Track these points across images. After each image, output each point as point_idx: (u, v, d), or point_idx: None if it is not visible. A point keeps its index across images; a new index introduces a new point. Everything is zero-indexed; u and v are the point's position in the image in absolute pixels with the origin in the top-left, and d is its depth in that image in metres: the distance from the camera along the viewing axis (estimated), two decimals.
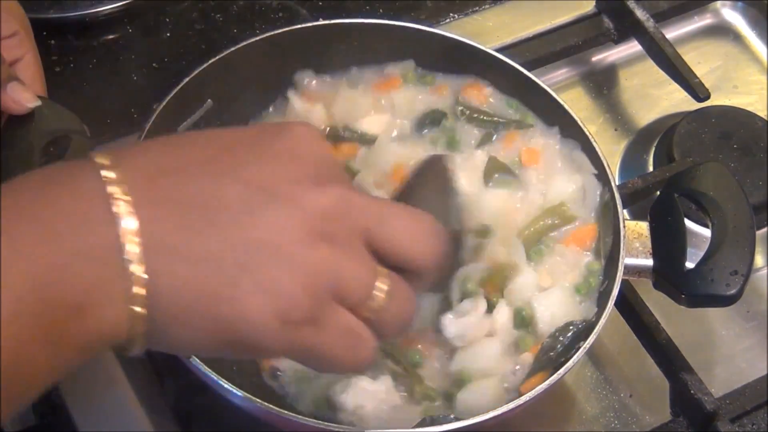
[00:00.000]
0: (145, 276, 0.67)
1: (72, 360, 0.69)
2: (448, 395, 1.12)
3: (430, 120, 1.30)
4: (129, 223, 0.66)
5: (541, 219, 1.24)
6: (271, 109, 1.30)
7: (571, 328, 1.16)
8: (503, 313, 1.16)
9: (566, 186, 1.26)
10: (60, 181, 0.68)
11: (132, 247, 0.66)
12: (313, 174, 0.74)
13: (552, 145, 1.30)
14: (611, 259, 1.20)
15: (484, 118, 1.31)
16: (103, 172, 0.67)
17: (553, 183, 1.27)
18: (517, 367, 1.14)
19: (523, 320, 1.16)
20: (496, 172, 1.26)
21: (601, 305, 1.13)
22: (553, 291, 1.19)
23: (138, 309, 0.67)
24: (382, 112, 1.31)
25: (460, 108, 1.31)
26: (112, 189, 0.66)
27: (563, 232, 1.24)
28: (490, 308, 1.15)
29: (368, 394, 1.09)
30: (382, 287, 0.75)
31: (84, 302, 0.66)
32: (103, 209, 0.66)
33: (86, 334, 0.67)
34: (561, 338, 1.15)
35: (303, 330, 0.72)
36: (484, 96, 1.34)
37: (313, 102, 1.30)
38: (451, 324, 1.13)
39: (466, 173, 1.25)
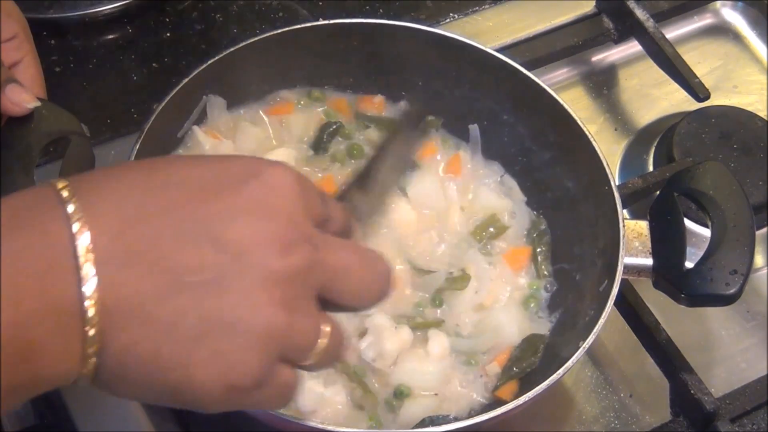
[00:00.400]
0: (99, 337, 0.66)
1: (11, 403, 0.68)
2: (391, 406, 1.15)
3: (328, 134, 1.32)
4: (90, 283, 0.65)
5: (480, 229, 1.28)
6: (180, 150, 1.28)
7: (536, 340, 1.20)
8: (440, 342, 1.18)
9: (495, 199, 1.30)
10: (25, 224, 0.66)
11: (90, 310, 0.66)
12: (282, 232, 0.72)
13: (477, 162, 1.33)
14: (559, 274, 1.25)
15: (387, 126, 1.33)
16: (73, 223, 0.66)
17: (480, 193, 1.30)
18: (469, 391, 1.17)
19: (467, 351, 1.19)
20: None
21: (601, 305, 1.13)
22: (508, 305, 1.22)
23: (89, 368, 0.68)
24: (284, 143, 1.32)
25: (361, 120, 1.34)
26: (79, 243, 0.66)
27: (500, 251, 1.27)
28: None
29: (324, 400, 1.12)
30: (323, 335, 0.76)
31: (38, 358, 0.66)
32: (67, 266, 0.65)
33: (35, 384, 0.68)
34: (527, 349, 1.19)
35: (246, 394, 0.72)
36: (377, 105, 1.36)
37: (221, 138, 1.30)
38: (368, 349, 1.16)
39: None
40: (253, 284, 0.70)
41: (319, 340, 0.75)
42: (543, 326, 1.23)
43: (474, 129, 1.34)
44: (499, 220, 1.29)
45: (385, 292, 0.81)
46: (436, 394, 1.16)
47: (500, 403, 1.10)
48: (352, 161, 1.31)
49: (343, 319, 1.13)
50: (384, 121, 1.35)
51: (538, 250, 1.28)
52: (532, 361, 1.18)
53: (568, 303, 1.24)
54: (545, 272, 1.27)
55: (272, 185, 0.73)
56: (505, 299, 1.23)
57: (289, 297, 0.71)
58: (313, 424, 1.03)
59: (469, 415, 1.12)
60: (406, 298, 1.22)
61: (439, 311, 1.22)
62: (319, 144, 1.32)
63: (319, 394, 1.11)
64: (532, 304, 1.24)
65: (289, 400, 0.77)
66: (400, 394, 1.15)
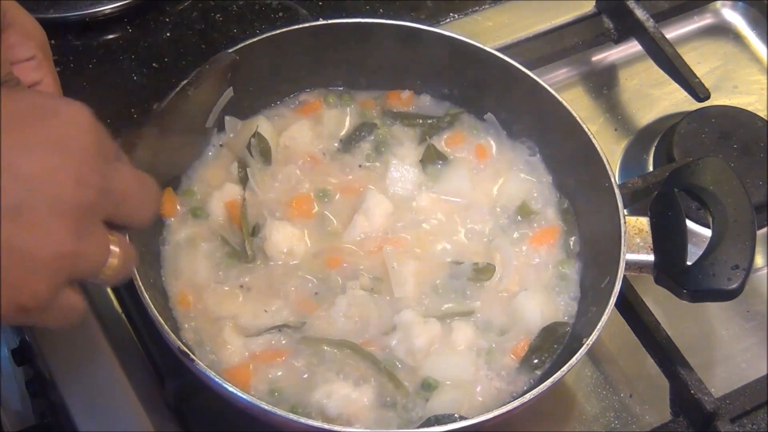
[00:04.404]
0: None
1: None
2: (420, 399, 1.15)
3: (361, 133, 1.33)
4: None
5: (510, 220, 1.29)
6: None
7: (558, 328, 1.19)
8: (465, 333, 1.19)
9: (524, 185, 1.31)
10: None
11: None
12: (76, 166, 0.80)
13: (503, 144, 1.34)
14: (582, 255, 1.25)
15: (413, 121, 1.35)
16: None
17: (510, 181, 1.31)
18: (494, 380, 1.17)
19: (493, 339, 1.19)
20: (433, 158, 1.32)
21: (603, 302, 1.13)
22: (533, 290, 1.22)
23: None
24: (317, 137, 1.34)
25: (388, 117, 1.35)
26: None
27: (528, 234, 1.27)
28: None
29: (351, 401, 1.11)
30: (113, 256, 0.86)
31: None
32: None
33: None
34: (548, 339, 1.18)
35: (33, 314, 0.81)
36: (405, 100, 1.37)
37: None
38: (398, 345, 1.17)
39: (407, 169, 1.30)
40: (47, 214, 0.78)
41: (109, 260, 0.86)
42: (568, 311, 1.22)
43: (490, 117, 1.35)
44: (528, 207, 1.29)
45: (155, 212, 0.94)
46: (462, 385, 1.16)
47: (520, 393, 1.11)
48: (379, 156, 1.32)
49: (373, 317, 1.17)
50: (412, 116, 1.36)
51: (566, 228, 1.28)
52: (552, 350, 1.18)
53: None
54: (574, 250, 1.26)
55: (69, 122, 0.82)
56: (530, 284, 1.24)
57: (80, 226, 0.80)
58: (313, 423, 1.03)
59: (496, 405, 1.11)
60: (435, 290, 1.23)
61: (466, 301, 1.22)
62: (351, 141, 1.33)
63: (345, 396, 1.11)
64: (560, 287, 1.24)
65: (76, 321, 0.86)
66: (428, 387, 1.15)
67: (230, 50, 1.25)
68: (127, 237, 1.06)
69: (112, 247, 0.86)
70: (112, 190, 0.84)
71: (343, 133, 1.34)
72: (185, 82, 1.19)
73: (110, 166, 0.85)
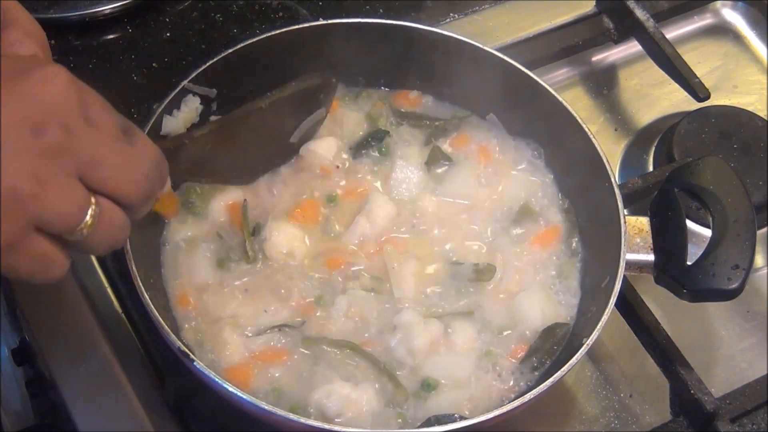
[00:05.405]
0: None
1: None
2: (419, 399, 1.15)
3: (372, 139, 1.33)
4: None
5: (513, 221, 1.29)
6: None
7: (558, 329, 1.19)
8: (465, 333, 1.19)
9: (526, 186, 1.31)
10: None
11: None
12: (37, 116, 0.83)
13: (506, 144, 1.34)
14: (583, 255, 1.25)
15: (420, 122, 1.35)
16: None
17: (511, 183, 1.31)
18: (494, 381, 1.17)
19: (493, 340, 1.20)
20: (438, 159, 1.32)
21: (604, 302, 1.13)
22: (534, 290, 1.22)
23: None
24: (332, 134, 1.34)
25: (396, 117, 1.35)
26: None
27: (529, 235, 1.28)
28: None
29: (350, 401, 1.11)
30: (90, 215, 0.86)
31: None
32: None
33: None
34: (549, 340, 1.18)
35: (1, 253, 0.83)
36: (412, 101, 1.38)
37: None
38: (398, 345, 1.17)
39: (411, 171, 1.31)
40: (4, 156, 0.81)
41: (86, 218, 0.85)
42: (568, 311, 1.22)
43: (492, 118, 1.35)
44: (530, 207, 1.29)
45: (149, 190, 0.91)
46: (462, 385, 1.16)
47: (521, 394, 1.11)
48: (385, 157, 1.33)
49: (373, 317, 1.17)
50: (420, 117, 1.36)
51: (566, 228, 1.28)
52: (552, 351, 1.18)
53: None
54: (575, 250, 1.27)
55: (40, 81, 0.84)
56: (531, 284, 1.24)
57: (40, 171, 0.82)
58: (313, 423, 1.03)
59: (496, 405, 1.12)
60: (435, 290, 1.23)
61: (466, 301, 1.22)
62: (362, 145, 1.33)
63: (345, 396, 1.11)
64: (560, 287, 1.24)
65: (54, 276, 0.87)
66: (428, 387, 1.15)
67: (315, 73, 1.27)
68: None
69: (89, 212, 0.86)
70: (78, 147, 0.85)
71: (356, 139, 1.34)
72: (269, 94, 1.19)
73: (83, 127, 0.86)
